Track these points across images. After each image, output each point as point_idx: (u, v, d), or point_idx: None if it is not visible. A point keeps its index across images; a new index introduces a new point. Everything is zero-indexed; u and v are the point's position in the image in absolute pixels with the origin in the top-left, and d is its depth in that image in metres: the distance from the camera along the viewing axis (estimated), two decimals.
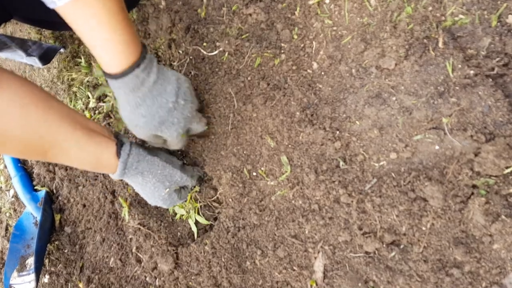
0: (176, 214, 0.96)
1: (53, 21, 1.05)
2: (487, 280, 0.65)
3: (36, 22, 1.11)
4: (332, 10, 0.86)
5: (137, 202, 0.99)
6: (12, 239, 1.13)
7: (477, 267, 0.66)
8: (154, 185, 0.83)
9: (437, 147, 0.72)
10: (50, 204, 1.14)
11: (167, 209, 0.98)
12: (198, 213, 0.93)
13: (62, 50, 1.21)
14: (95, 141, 0.74)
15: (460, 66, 0.72)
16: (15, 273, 1.08)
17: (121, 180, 0.96)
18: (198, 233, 0.93)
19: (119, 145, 0.78)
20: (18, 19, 1.05)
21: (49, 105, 0.68)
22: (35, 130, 0.65)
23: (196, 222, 0.93)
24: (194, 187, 0.93)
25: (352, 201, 0.76)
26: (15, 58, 1.11)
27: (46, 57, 1.13)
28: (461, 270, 0.67)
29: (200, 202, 0.92)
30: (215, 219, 0.93)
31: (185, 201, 0.92)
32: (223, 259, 0.86)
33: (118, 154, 0.77)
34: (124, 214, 0.98)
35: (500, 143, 0.66)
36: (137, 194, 0.98)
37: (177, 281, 0.90)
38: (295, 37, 0.88)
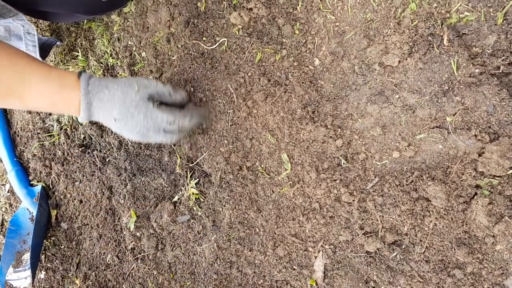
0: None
1: (52, 12, 1.03)
2: (489, 282, 0.65)
3: (35, 12, 1.09)
4: (334, 5, 0.84)
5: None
6: (8, 234, 1.12)
7: (479, 268, 0.66)
8: (122, 91, 0.80)
9: (440, 147, 0.71)
10: (46, 199, 1.13)
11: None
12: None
13: (58, 43, 1.18)
14: (57, 70, 0.80)
15: (465, 64, 0.71)
16: (11, 269, 1.07)
17: (90, 121, 0.87)
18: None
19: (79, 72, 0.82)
20: (17, 9, 1.03)
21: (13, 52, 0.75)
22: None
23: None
24: (180, 102, 0.85)
25: (353, 200, 0.75)
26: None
27: (42, 50, 1.11)
28: (463, 271, 0.66)
29: (199, 200, 0.91)
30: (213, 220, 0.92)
31: (177, 129, 0.81)
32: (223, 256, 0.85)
33: (79, 75, 0.80)
34: (130, 225, 0.96)
35: (505, 143, 0.65)
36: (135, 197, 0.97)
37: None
38: (297, 32, 0.86)
